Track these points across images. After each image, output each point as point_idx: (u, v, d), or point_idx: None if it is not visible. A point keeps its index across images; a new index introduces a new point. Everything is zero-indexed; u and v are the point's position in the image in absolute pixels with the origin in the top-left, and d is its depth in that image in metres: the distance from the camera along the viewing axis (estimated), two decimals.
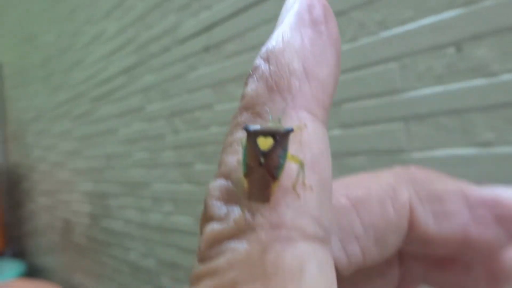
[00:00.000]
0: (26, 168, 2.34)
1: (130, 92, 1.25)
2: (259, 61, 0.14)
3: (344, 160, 0.65)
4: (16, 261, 2.23)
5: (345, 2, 0.63)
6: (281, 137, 0.13)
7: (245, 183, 0.13)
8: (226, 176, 0.13)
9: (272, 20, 0.76)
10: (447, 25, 0.52)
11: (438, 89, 0.53)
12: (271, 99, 0.14)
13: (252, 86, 0.14)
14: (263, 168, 0.13)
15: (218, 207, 0.13)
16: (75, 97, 1.66)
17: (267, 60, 0.14)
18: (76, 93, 1.65)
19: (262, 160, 0.13)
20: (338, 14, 0.65)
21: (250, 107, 0.14)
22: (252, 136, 0.13)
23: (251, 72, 0.14)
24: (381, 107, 0.60)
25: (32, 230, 2.30)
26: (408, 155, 0.57)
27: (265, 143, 0.13)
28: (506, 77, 0.48)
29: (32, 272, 2.16)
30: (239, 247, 0.11)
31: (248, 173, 0.13)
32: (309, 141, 0.13)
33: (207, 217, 0.13)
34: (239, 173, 0.13)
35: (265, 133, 0.13)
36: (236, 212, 0.12)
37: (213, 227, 0.12)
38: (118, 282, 1.41)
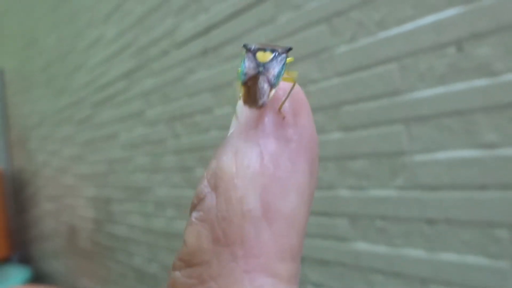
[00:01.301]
0: (30, 173, 2.34)
1: (131, 96, 1.25)
2: (205, 189, 0.12)
3: (344, 163, 0.64)
4: (22, 267, 2.24)
5: (343, 2, 0.62)
6: (279, 53, 0.14)
7: (241, 90, 0.13)
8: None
9: (270, 22, 0.75)
10: (447, 24, 0.51)
11: (440, 89, 0.52)
12: (217, 255, 0.10)
13: (194, 232, 0.11)
14: (263, 76, 0.13)
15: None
16: (77, 102, 1.66)
17: (214, 189, 0.11)
18: (78, 98, 1.65)
19: (261, 69, 0.13)
20: (336, 14, 0.63)
21: (189, 264, 0.11)
22: (252, 52, 0.13)
23: (195, 201, 0.12)
24: (381, 109, 0.58)
25: (37, 235, 2.31)
26: (410, 158, 0.56)
27: (264, 56, 0.14)
28: (509, 76, 0.47)
29: (38, 278, 2.16)
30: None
31: (245, 81, 0.13)
32: None
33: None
34: (236, 90, 0.14)
35: (265, 49, 0.14)
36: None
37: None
38: (123, 287, 1.41)
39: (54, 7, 1.83)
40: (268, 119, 0.13)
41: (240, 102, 0.13)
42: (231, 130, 0.13)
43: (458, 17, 0.50)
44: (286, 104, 0.13)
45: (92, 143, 1.55)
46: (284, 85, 0.14)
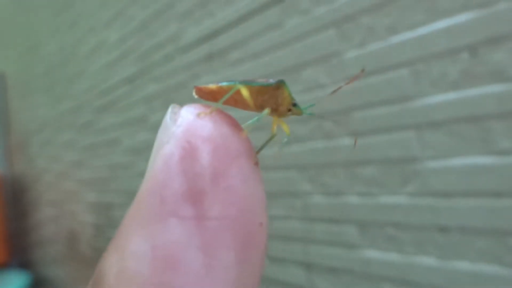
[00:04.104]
0: (30, 178, 2.33)
1: (133, 102, 1.24)
2: None
3: (355, 169, 0.63)
4: (22, 272, 2.22)
5: (353, 7, 0.62)
6: None
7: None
8: None
9: (277, 27, 0.74)
10: (461, 29, 0.50)
11: (453, 95, 0.51)
12: None
13: None
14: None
15: None
16: (79, 107, 1.65)
17: None
18: (79, 103, 1.64)
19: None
20: (345, 19, 0.63)
21: None
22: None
23: None
24: (393, 114, 0.58)
25: (37, 240, 2.29)
26: (422, 164, 0.55)
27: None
28: None
29: (38, 283, 2.14)
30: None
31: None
32: None
33: None
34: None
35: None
36: None
37: None
38: None
39: (55, 13, 1.83)
40: (169, 187, 0.09)
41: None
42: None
43: (471, 22, 0.49)
44: (205, 155, 0.10)
45: (93, 148, 1.54)
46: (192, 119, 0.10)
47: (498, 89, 0.48)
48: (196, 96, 0.13)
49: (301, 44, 0.70)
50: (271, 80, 0.12)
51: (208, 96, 0.13)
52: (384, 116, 0.59)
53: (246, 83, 0.12)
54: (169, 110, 0.11)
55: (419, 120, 0.55)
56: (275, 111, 0.13)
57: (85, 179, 1.64)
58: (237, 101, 0.12)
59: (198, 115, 0.11)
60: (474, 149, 0.50)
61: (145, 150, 1.19)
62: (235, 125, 0.11)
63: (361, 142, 0.62)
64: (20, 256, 2.46)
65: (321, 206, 0.69)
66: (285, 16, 0.72)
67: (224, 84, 0.12)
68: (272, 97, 0.12)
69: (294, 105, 0.12)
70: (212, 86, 0.12)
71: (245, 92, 0.12)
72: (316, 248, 0.70)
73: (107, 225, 1.48)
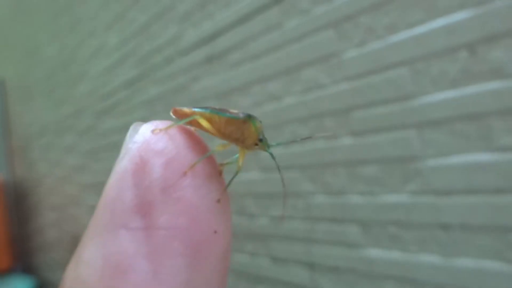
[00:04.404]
0: (32, 182, 2.33)
1: (134, 105, 1.24)
2: None
3: (355, 169, 0.63)
4: (26, 277, 2.22)
5: (351, 7, 0.62)
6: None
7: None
8: None
9: (277, 28, 0.74)
10: (459, 27, 0.50)
11: (453, 93, 0.52)
12: None
13: None
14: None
15: None
16: (79, 111, 1.65)
17: None
18: (80, 107, 1.64)
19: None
20: (344, 19, 0.63)
21: None
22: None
23: None
24: (393, 113, 0.58)
25: (40, 245, 2.30)
26: (423, 163, 0.55)
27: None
28: None
29: (41, 287, 2.15)
30: None
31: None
32: None
33: None
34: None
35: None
36: None
37: None
38: None
39: (55, 17, 1.83)
40: (119, 200, 0.10)
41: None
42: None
43: (470, 20, 0.49)
44: (156, 168, 0.10)
45: (95, 152, 1.54)
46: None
47: (497, 86, 0.48)
48: (173, 116, 0.14)
49: (301, 45, 0.70)
50: (241, 114, 0.13)
51: (182, 118, 0.13)
52: (384, 115, 0.59)
53: (216, 112, 0.13)
54: (131, 128, 0.12)
55: (419, 119, 0.55)
56: (241, 142, 0.13)
57: (87, 183, 1.65)
58: (202, 127, 0.13)
59: (153, 131, 0.11)
60: (474, 147, 0.50)
61: None
62: (193, 139, 0.12)
63: (362, 141, 0.62)
64: (23, 261, 2.46)
65: (323, 205, 0.69)
66: (284, 16, 0.73)
67: (197, 110, 0.12)
68: (239, 129, 0.13)
69: (261, 140, 0.13)
70: (186, 109, 0.13)
71: (203, 122, 0.12)
72: (319, 248, 0.70)
73: None
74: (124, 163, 0.11)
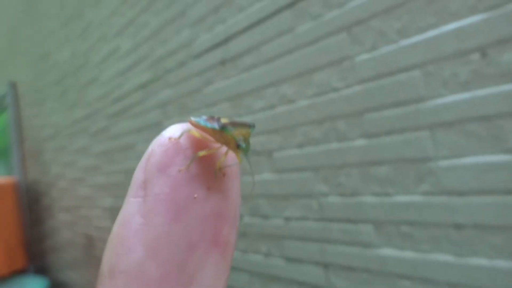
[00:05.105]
0: (45, 185, 2.36)
1: (147, 108, 1.26)
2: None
3: (369, 170, 0.64)
4: (39, 278, 2.26)
5: (363, 11, 0.63)
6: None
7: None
8: None
9: (289, 32, 0.76)
10: (471, 31, 0.52)
11: (465, 95, 0.53)
12: None
13: None
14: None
15: None
16: (92, 114, 1.68)
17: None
18: (93, 110, 1.67)
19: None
20: (356, 23, 0.64)
21: None
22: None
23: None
24: (406, 115, 0.59)
25: (54, 246, 2.33)
26: (435, 164, 0.56)
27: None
28: None
29: None
30: None
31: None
32: None
33: None
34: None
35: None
36: None
37: None
38: None
39: (66, 22, 1.86)
40: (135, 179, 0.14)
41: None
42: None
43: (481, 24, 0.51)
44: (157, 156, 0.15)
45: (108, 154, 1.57)
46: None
47: (509, 89, 0.49)
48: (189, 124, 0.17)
49: (313, 48, 0.71)
50: (216, 125, 0.16)
51: (193, 126, 0.17)
52: (397, 117, 0.60)
53: (204, 123, 0.16)
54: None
55: (431, 121, 0.56)
56: (228, 146, 0.16)
57: (100, 184, 1.67)
58: (200, 135, 0.17)
59: (169, 139, 0.15)
60: (486, 148, 0.51)
61: None
62: (193, 141, 0.16)
63: (375, 143, 0.63)
64: (37, 261, 2.50)
65: (337, 206, 0.70)
66: (297, 21, 0.74)
67: (194, 120, 0.16)
68: (221, 137, 0.16)
69: (238, 146, 0.16)
70: (193, 120, 0.17)
71: (195, 132, 0.16)
72: (333, 248, 0.71)
73: None
74: (144, 155, 0.14)
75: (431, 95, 0.56)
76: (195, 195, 0.13)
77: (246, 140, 0.16)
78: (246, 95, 0.88)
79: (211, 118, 0.16)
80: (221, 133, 0.16)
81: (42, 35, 2.21)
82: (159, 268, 0.12)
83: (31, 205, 2.56)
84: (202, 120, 0.16)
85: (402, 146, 0.60)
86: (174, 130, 0.15)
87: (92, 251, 1.81)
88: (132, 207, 0.13)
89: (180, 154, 0.14)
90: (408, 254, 0.60)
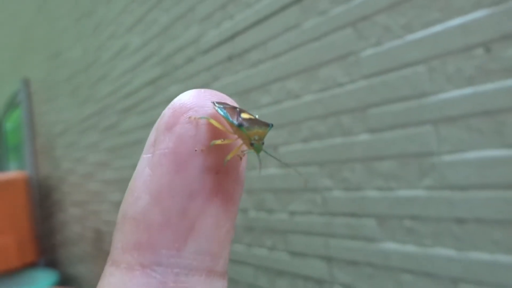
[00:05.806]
0: (56, 180, 2.40)
1: (156, 104, 1.28)
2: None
3: (372, 164, 0.65)
4: (49, 271, 2.29)
5: (368, 7, 0.64)
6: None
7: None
8: None
9: (295, 28, 0.76)
10: (475, 26, 0.52)
11: (469, 90, 0.53)
12: None
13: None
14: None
15: None
16: (102, 110, 1.70)
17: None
18: (103, 106, 1.69)
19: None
20: (362, 18, 0.65)
21: None
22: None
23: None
24: (409, 110, 0.59)
25: (64, 240, 2.36)
26: (439, 158, 0.57)
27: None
28: None
29: (65, 282, 2.21)
30: None
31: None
32: None
33: None
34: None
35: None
36: None
37: None
38: None
39: (78, 19, 1.89)
40: (148, 140, 0.16)
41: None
42: None
43: (485, 19, 0.51)
44: (165, 117, 0.16)
45: (117, 149, 1.59)
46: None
47: None
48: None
49: (319, 44, 0.72)
50: (235, 121, 0.16)
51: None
52: (401, 112, 0.60)
53: (225, 114, 0.16)
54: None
55: (435, 116, 0.56)
56: (242, 140, 0.17)
57: (109, 179, 1.69)
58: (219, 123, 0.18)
59: (189, 118, 0.16)
60: (489, 143, 0.52)
61: None
62: (211, 128, 0.17)
63: (379, 137, 0.64)
64: (47, 255, 2.54)
65: (340, 200, 0.71)
66: (303, 17, 0.75)
67: (218, 108, 0.17)
68: (237, 132, 0.17)
69: (252, 144, 0.16)
70: (216, 107, 0.17)
71: (214, 122, 0.16)
72: (336, 242, 0.72)
73: None
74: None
75: (435, 90, 0.56)
76: (196, 149, 0.15)
77: (261, 140, 0.17)
78: (253, 90, 0.89)
79: (233, 109, 0.17)
80: (238, 129, 0.16)
81: (54, 33, 2.24)
82: (162, 214, 0.14)
83: (42, 199, 2.60)
84: (223, 111, 0.16)
85: (405, 141, 0.60)
86: (187, 97, 0.16)
87: (101, 245, 1.83)
88: (143, 162, 0.15)
89: (184, 115, 0.15)
90: (411, 248, 0.60)
